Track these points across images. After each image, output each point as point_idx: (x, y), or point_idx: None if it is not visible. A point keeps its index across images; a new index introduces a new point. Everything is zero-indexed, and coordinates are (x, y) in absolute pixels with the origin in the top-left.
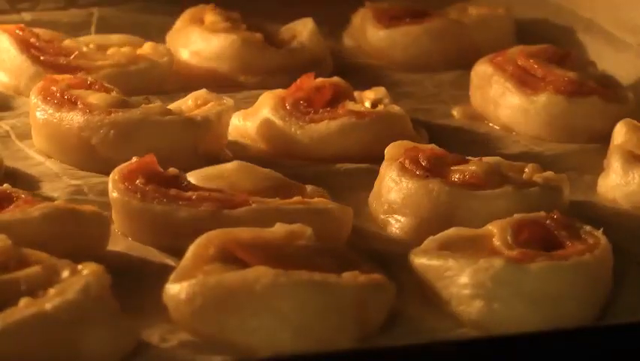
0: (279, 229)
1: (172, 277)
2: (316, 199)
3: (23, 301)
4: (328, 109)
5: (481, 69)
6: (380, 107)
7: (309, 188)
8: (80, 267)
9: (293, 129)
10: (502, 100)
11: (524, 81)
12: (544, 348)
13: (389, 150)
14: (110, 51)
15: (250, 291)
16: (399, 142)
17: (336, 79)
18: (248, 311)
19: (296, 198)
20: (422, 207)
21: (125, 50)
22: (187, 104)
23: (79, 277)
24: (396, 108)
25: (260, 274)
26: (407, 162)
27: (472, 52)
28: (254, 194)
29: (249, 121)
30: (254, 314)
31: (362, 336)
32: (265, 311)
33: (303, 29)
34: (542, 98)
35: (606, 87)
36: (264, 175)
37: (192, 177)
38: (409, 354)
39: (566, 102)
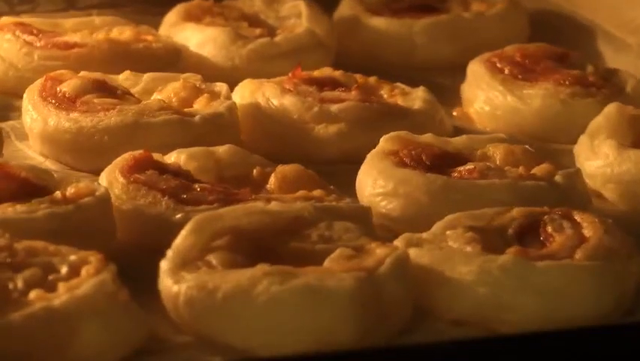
0: (280, 210)
1: (167, 265)
2: (317, 191)
3: (33, 294)
4: (343, 88)
5: (475, 69)
6: (398, 100)
7: (296, 168)
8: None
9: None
10: (496, 102)
11: (518, 82)
12: (544, 348)
13: (386, 142)
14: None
15: (248, 296)
16: (397, 134)
17: (339, 72)
18: (247, 316)
19: (300, 193)
20: (416, 196)
21: (120, 31)
22: (176, 89)
23: (90, 272)
24: (417, 104)
25: (257, 279)
26: (408, 159)
27: (481, 49)
28: (243, 179)
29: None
30: (253, 319)
31: (381, 334)
32: (264, 316)
33: (298, 17)
34: (537, 102)
35: (605, 85)
36: (254, 161)
37: (182, 154)
38: (409, 354)
39: (560, 105)
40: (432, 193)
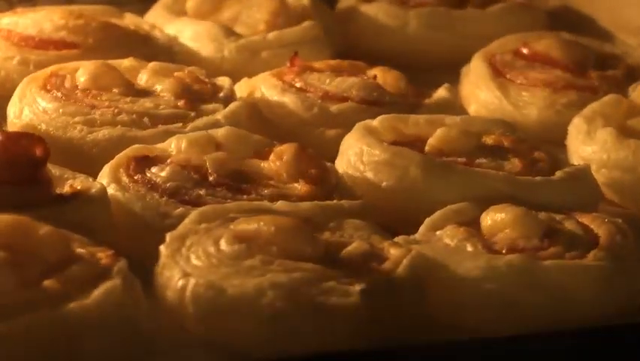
0: (287, 210)
1: (167, 251)
2: (316, 174)
3: (48, 283)
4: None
5: (477, 65)
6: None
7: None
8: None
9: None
10: (492, 107)
11: (516, 87)
12: (545, 349)
13: (380, 125)
14: None
15: (253, 306)
16: (388, 120)
17: (347, 62)
18: (250, 324)
19: (305, 188)
20: (412, 170)
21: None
22: (181, 80)
23: (99, 272)
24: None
25: (263, 289)
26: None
27: (485, 43)
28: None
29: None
30: (256, 329)
31: (394, 334)
32: (267, 328)
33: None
34: (533, 111)
35: (603, 83)
36: (256, 142)
37: (181, 141)
38: (410, 355)
39: (555, 116)
40: (429, 170)
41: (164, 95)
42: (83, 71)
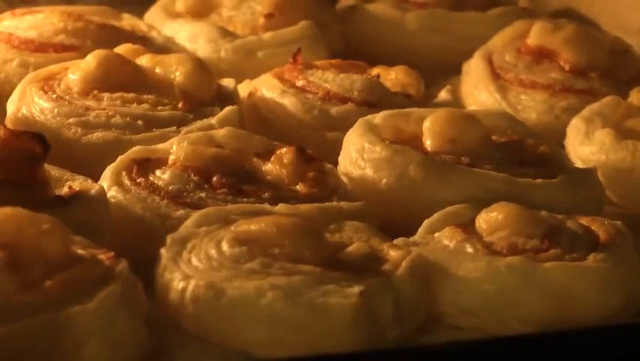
0: (287, 213)
1: (169, 254)
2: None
3: (49, 283)
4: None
5: (477, 64)
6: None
7: (294, 150)
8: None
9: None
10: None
11: (515, 90)
12: (545, 349)
13: (381, 122)
14: None
15: (252, 307)
16: (390, 117)
17: (348, 62)
18: (249, 325)
19: (304, 189)
20: (412, 168)
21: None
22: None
23: (101, 274)
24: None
25: (263, 290)
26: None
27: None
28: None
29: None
30: (255, 329)
31: (394, 336)
32: (266, 328)
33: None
34: (532, 116)
35: (605, 84)
36: (256, 142)
37: (182, 142)
38: (410, 356)
39: (554, 121)
40: (429, 170)
41: (174, 80)
42: (92, 58)
